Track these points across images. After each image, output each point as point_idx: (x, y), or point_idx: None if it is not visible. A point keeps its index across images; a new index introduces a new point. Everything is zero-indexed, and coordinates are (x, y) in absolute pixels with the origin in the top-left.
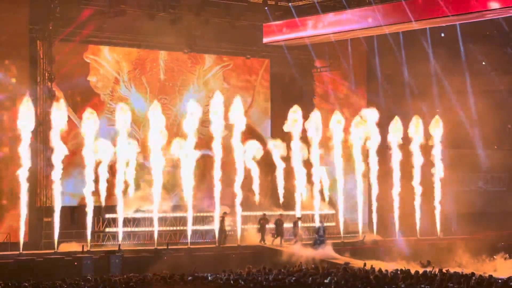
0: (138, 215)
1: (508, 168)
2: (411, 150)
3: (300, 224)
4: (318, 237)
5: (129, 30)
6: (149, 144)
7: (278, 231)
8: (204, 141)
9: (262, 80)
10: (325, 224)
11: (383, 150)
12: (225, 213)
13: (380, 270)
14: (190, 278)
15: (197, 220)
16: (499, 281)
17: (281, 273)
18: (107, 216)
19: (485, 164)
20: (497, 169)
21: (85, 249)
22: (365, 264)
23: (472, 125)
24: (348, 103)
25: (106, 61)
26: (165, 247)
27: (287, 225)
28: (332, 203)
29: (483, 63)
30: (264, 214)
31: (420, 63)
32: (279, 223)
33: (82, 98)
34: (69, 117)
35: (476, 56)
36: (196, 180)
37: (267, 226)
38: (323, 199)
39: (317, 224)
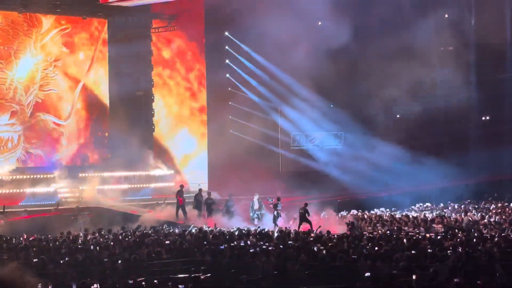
0: None
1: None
2: None
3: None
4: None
5: None
6: None
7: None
8: (43, 105)
9: (101, 41)
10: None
11: None
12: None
13: (220, 230)
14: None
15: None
16: (335, 236)
17: (120, 234)
18: None
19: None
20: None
21: None
22: (205, 224)
23: None
24: (186, 60)
25: None
26: (1, 210)
27: None
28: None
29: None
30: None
31: None
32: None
33: None
34: None
35: None
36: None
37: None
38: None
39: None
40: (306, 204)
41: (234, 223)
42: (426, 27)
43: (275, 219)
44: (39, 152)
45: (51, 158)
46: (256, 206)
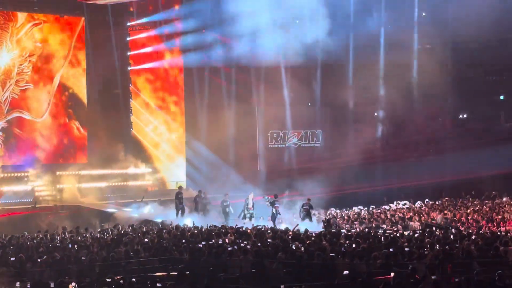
0: None
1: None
2: None
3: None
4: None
5: None
6: None
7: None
8: (19, 101)
9: (77, 39)
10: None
11: None
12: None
13: (196, 227)
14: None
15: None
16: (313, 234)
17: (99, 233)
18: None
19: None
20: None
21: None
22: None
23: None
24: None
25: None
26: None
27: None
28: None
29: None
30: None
31: None
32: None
33: None
34: None
35: None
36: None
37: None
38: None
39: None
40: (309, 199)
41: (231, 222)
42: (404, 25)
43: (273, 217)
44: (16, 150)
45: (27, 156)
46: (250, 204)
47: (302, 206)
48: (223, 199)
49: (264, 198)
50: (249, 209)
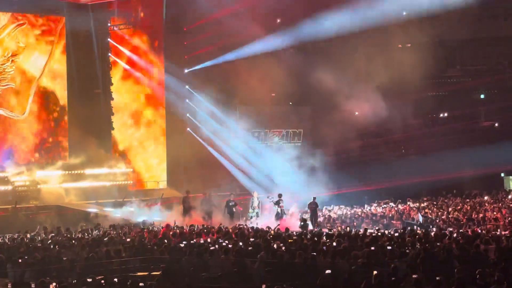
0: None
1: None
2: None
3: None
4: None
5: None
6: None
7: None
8: (1, 100)
9: (58, 38)
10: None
11: None
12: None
13: (178, 226)
14: None
15: None
16: (295, 233)
17: (79, 233)
18: None
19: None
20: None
21: None
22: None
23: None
24: (145, 58)
25: None
26: None
27: None
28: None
29: None
30: (314, 198)
31: None
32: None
33: None
34: None
35: None
36: None
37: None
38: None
39: None
40: (315, 198)
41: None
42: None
43: (277, 216)
44: None
45: (7, 155)
46: (255, 203)
47: (308, 205)
48: (228, 199)
49: (269, 198)
50: (254, 208)
